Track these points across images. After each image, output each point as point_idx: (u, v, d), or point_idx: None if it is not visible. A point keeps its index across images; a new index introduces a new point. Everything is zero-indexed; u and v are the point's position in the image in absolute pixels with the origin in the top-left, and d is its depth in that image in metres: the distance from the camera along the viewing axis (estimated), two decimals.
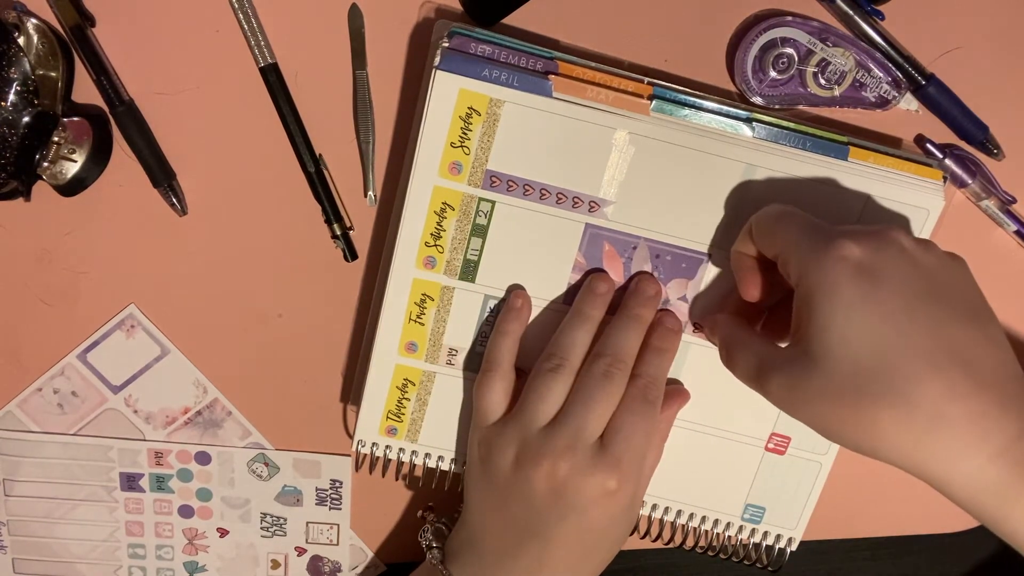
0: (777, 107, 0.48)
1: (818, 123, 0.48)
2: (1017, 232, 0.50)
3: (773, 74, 0.47)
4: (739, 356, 0.42)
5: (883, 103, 0.48)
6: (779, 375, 0.39)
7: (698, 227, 0.47)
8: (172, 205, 0.50)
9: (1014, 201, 0.50)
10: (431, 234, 0.47)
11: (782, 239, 0.40)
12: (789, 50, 0.47)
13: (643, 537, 0.55)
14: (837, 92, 0.48)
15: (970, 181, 0.49)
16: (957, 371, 0.35)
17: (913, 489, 0.49)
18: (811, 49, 0.47)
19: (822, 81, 0.47)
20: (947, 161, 0.49)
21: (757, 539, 0.53)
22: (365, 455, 0.52)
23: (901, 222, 0.45)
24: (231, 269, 0.52)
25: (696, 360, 0.49)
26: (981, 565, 0.60)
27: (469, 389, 0.50)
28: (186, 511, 0.57)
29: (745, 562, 0.54)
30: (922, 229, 0.46)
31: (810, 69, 0.47)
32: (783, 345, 0.42)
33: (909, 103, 0.48)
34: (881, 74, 0.47)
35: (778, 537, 0.53)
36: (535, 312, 0.49)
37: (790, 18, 0.47)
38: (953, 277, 0.39)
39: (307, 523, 0.58)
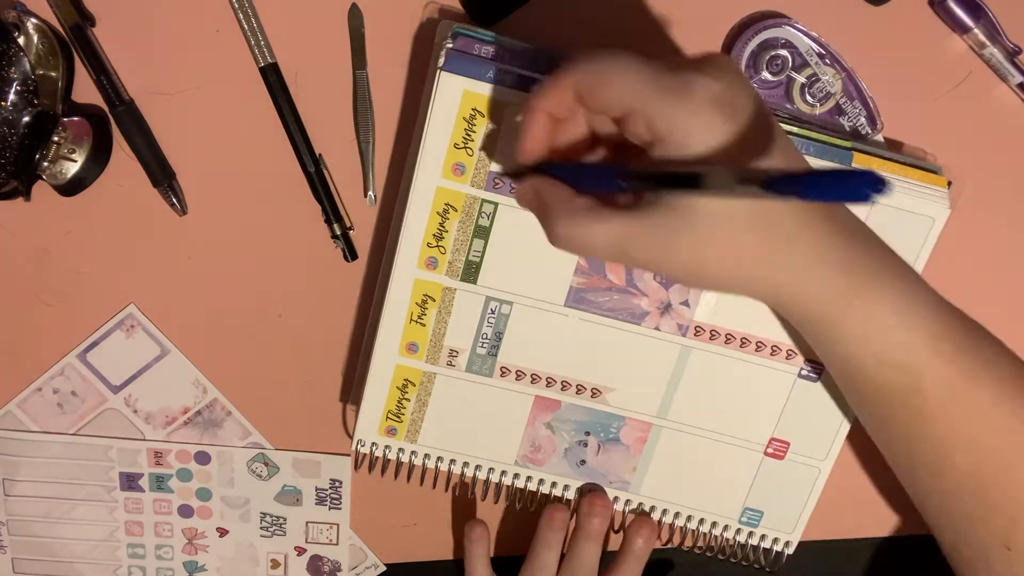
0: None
1: (819, 126, 0.48)
2: (1021, 85, 0.48)
3: (765, 74, 0.47)
4: (587, 237, 0.38)
5: (856, 136, 0.48)
6: (645, 245, 0.37)
7: None
8: (172, 205, 0.50)
9: (1020, 52, 0.48)
10: (433, 235, 0.47)
11: (630, 96, 0.36)
12: (784, 52, 0.47)
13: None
14: (819, 111, 0.48)
15: (972, 25, 0.47)
16: (800, 162, 0.38)
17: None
18: (806, 60, 0.47)
19: (807, 96, 0.47)
20: (949, 2, 0.47)
21: (754, 542, 0.53)
22: (364, 455, 0.52)
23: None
24: (231, 269, 0.52)
25: (697, 364, 0.49)
26: None
27: (469, 391, 0.50)
28: (186, 511, 0.57)
29: (743, 563, 0.54)
30: (927, 238, 0.46)
31: (799, 79, 0.47)
32: (623, 201, 0.38)
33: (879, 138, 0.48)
34: (860, 107, 0.47)
35: (775, 540, 0.53)
36: (536, 315, 0.49)
37: (793, 22, 0.47)
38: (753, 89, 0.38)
39: (307, 523, 0.58)
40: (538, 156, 0.40)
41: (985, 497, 0.42)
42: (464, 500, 0.55)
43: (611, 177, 0.36)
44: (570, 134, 0.40)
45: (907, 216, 0.46)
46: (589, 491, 0.53)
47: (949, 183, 0.47)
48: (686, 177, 0.32)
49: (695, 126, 0.35)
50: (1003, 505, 0.42)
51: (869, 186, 0.25)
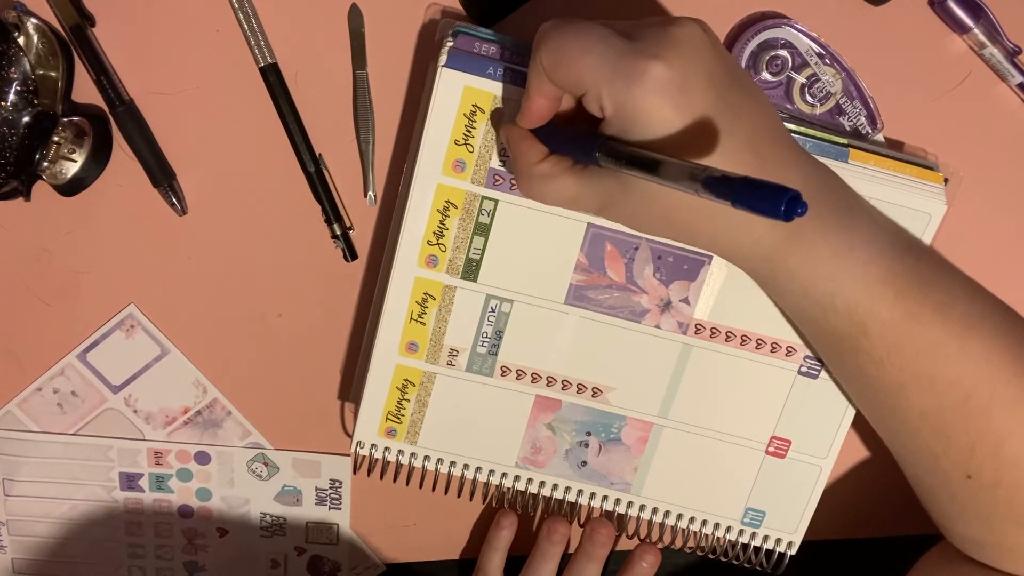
0: None
1: (819, 126, 0.48)
2: (1021, 85, 0.48)
3: (765, 75, 0.47)
4: (544, 195, 0.42)
5: (857, 136, 0.48)
6: (592, 204, 0.41)
7: None
8: (172, 205, 0.50)
9: (1020, 52, 0.48)
10: (434, 232, 0.47)
11: (588, 76, 0.37)
12: (784, 53, 0.47)
13: (643, 540, 0.55)
14: (819, 111, 0.48)
15: (972, 25, 0.47)
16: (750, 154, 0.38)
17: (913, 490, 0.49)
18: (806, 60, 0.47)
19: (808, 97, 0.47)
20: (949, 2, 0.47)
21: (757, 543, 0.53)
22: (364, 456, 0.52)
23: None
24: (231, 269, 0.52)
25: (697, 362, 0.49)
26: None
27: (470, 391, 0.50)
28: (186, 511, 0.57)
29: (745, 565, 0.54)
30: (923, 233, 0.46)
31: (799, 80, 0.47)
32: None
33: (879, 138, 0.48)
34: (861, 107, 0.47)
35: (778, 541, 0.53)
36: (536, 313, 0.49)
37: (793, 22, 0.47)
38: (726, 54, 0.39)
39: (307, 523, 0.58)
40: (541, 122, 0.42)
41: (944, 431, 0.43)
42: (464, 500, 0.55)
43: (590, 152, 0.38)
44: (565, 103, 0.42)
45: (903, 212, 0.46)
46: (594, 519, 0.55)
47: (946, 179, 0.47)
48: (649, 161, 0.34)
49: (641, 113, 0.36)
50: (962, 437, 0.42)
51: (791, 204, 0.27)
